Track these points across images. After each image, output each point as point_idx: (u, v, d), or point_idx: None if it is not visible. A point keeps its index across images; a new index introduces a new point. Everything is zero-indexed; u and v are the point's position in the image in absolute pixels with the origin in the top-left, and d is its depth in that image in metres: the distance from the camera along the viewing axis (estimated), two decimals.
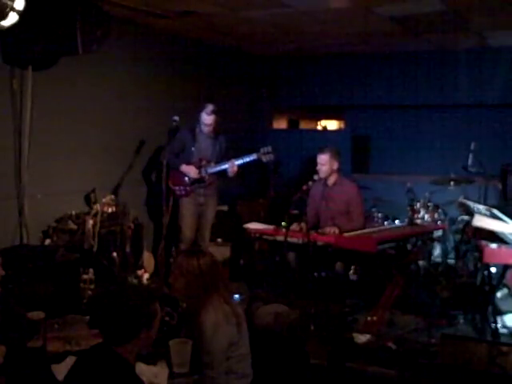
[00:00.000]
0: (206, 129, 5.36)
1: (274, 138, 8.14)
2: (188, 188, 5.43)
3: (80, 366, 2.17)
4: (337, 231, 4.75)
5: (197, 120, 5.42)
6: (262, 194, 7.22)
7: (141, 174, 6.00)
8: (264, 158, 5.38)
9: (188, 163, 5.39)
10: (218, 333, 2.69)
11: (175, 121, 5.17)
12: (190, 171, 5.38)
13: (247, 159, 5.37)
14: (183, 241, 5.48)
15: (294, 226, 4.74)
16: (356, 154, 7.73)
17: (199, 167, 5.42)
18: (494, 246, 4.16)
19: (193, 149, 5.38)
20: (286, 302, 4.44)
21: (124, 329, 2.11)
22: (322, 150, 5.06)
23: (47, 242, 4.75)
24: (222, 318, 2.73)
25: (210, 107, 5.32)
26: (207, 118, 5.30)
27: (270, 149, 5.37)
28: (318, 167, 5.05)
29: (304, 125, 10.02)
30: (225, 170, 5.40)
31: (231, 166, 5.33)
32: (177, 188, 5.43)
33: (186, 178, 5.41)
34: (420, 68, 7.34)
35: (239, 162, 5.35)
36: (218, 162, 5.44)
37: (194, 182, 5.44)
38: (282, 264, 5.14)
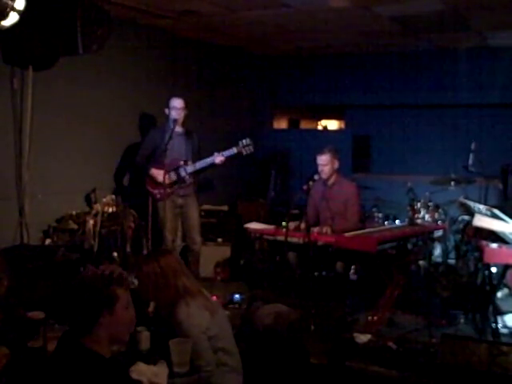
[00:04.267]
0: (175, 124, 5.18)
1: (274, 138, 8.16)
2: (168, 190, 5.23)
3: (51, 363, 2.17)
4: (329, 230, 4.75)
5: (166, 118, 5.29)
6: (262, 194, 7.23)
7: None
8: (244, 151, 5.31)
9: (160, 165, 5.07)
10: (192, 321, 2.78)
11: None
12: (159, 177, 5.12)
13: (227, 154, 5.29)
14: (166, 244, 5.33)
15: (292, 224, 4.75)
16: (356, 154, 7.73)
17: (177, 168, 5.28)
18: (494, 245, 4.16)
19: (168, 147, 5.03)
20: (286, 302, 4.44)
21: (80, 316, 2.10)
22: (321, 151, 5.06)
23: (47, 241, 4.75)
24: (194, 309, 2.83)
25: (178, 101, 5.23)
26: (177, 112, 5.20)
27: (248, 141, 5.30)
28: (320, 168, 5.04)
29: (304, 125, 10.03)
30: (209, 165, 5.30)
31: (217, 157, 5.24)
32: (156, 191, 5.26)
33: (162, 181, 5.09)
34: (420, 68, 7.35)
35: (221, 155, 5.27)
36: (195, 161, 5.32)
37: (174, 183, 5.29)
38: (282, 264, 5.13)
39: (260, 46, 7.38)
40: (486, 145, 6.05)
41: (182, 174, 5.30)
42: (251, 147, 5.31)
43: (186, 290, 2.89)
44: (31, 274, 4.01)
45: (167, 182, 5.18)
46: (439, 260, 5.94)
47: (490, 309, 4.43)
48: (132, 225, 5.19)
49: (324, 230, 4.78)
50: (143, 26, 5.94)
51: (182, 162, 5.30)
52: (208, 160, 5.30)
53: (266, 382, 3.22)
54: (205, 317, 2.84)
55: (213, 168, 5.45)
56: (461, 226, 5.86)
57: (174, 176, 5.29)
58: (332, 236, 4.67)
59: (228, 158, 5.35)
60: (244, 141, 5.31)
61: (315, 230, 4.78)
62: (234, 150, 5.31)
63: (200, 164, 5.31)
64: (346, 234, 4.63)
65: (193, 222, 5.49)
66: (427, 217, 5.86)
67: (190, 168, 5.31)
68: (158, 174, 5.16)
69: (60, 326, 3.42)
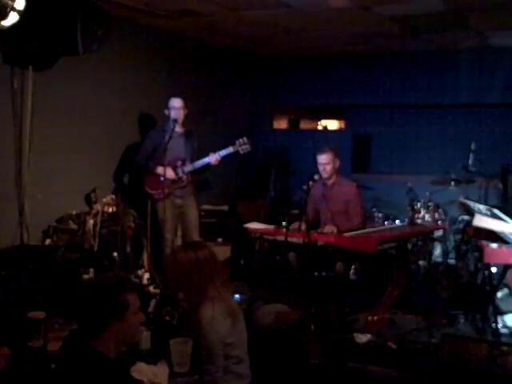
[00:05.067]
0: (175, 124, 5.18)
1: (274, 138, 8.16)
2: (167, 190, 5.21)
3: (59, 363, 2.16)
4: (335, 230, 4.75)
5: (166, 118, 5.29)
6: (262, 194, 7.23)
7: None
8: (241, 150, 5.27)
9: (161, 164, 5.10)
10: (214, 327, 2.72)
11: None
12: (167, 173, 5.16)
13: (224, 153, 5.27)
14: (166, 244, 5.33)
15: (294, 225, 4.75)
16: (356, 154, 7.73)
17: (175, 168, 5.26)
18: (494, 245, 4.16)
19: (167, 147, 5.05)
20: (287, 302, 4.44)
21: (90, 322, 2.10)
22: (322, 151, 5.06)
23: (48, 241, 4.75)
24: (218, 314, 2.76)
25: (177, 101, 5.24)
26: (177, 112, 5.20)
27: (245, 140, 5.27)
28: (322, 168, 5.03)
29: (304, 125, 10.01)
30: (206, 165, 5.29)
31: (213, 157, 5.23)
32: (155, 192, 5.25)
33: (163, 180, 5.11)
34: (420, 68, 7.34)
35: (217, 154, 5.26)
36: (193, 161, 5.32)
37: (172, 183, 5.28)
38: (282, 264, 5.13)
39: (260, 46, 7.38)
40: (485, 145, 6.05)
41: (180, 173, 5.30)
42: (248, 146, 5.29)
43: (217, 293, 2.82)
44: (32, 274, 4.01)
45: (172, 179, 5.22)
46: (439, 260, 5.94)
47: (490, 309, 4.43)
48: (132, 225, 5.18)
49: (330, 230, 4.77)
50: (143, 26, 5.94)
51: (179, 162, 5.29)
52: (205, 160, 5.29)
53: (266, 382, 3.22)
54: (226, 324, 2.78)
55: (211, 168, 5.45)
56: (461, 226, 5.86)
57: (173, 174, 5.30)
58: (332, 236, 4.67)
59: (226, 158, 5.34)
60: (241, 140, 5.29)
61: (324, 229, 4.77)
62: (231, 149, 5.29)
63: (197, 164, 5.31)
64: (346, 234, 4.63)
65: (191, 222, 5.47)
66: (427, 217, 5.86)
67: (188, 168, 5.31)
68: (166, 171, 5.13)
69: (61, 326, 3.43)
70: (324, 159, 5.03)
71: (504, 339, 4.14)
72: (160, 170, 5.13)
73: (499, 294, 4.82)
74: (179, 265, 2.83)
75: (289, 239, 4.55)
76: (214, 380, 2.70)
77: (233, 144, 5.30)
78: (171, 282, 2.94)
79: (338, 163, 5.10)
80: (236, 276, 5.96)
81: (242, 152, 5.30)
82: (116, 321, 2.11)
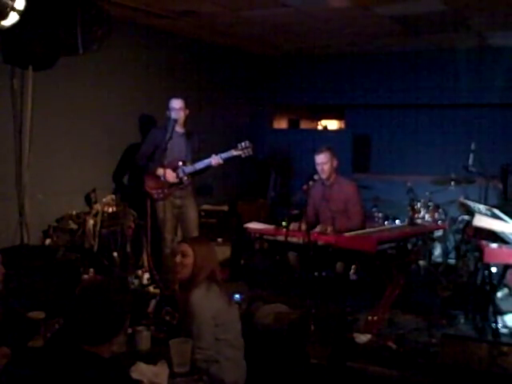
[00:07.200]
0: (176, 124, 5.17)
1: (274, 138, 8.16)
2: (166, 190, 5.20)
3: (48, 364, 2.04)
4: (329, 229, 4.74)
5: (167, 118, 5.26)
6: (262, 194, 7.22)
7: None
8: (243, 154, 5.28)
9: (161, 165, 5.07)
10: (206, 303, 2.86)
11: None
12: (168, 175, 5.15)
13: (225, 156, 5.26)
14: (166, 244, 5.32)
15: (294, 225, 4.75)
16: (356, 154, 7.73)
17: (175, 168, 5.25)
18: (494, 245, 4.16)
19: (168, 147, 5.03)
20: (286, 302, 4.44)
21: (106, 328, 2.03)
22: (319, 151, 5.06)
23: (48, 241, 4.75)
24: (212, 293, 2.92)
25: (177, 102, 5.24)
26: (176, 112, 5.20)
27: (247, 143, 5.28)
28: (320, 168, 5.03)
29: (304, 125, 10.02)
30: (207, 167, 5.29)
31: (215, 159, 5.22)
32: (154, 192, 5.24)
33: (164, 180, 5.12)
34: (420, 68, 7.35)
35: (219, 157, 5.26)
36: (194, 161, 5.30)
37: (172, 183, 5.27)
38: (282, 264, 5.13)
39: (260, 46, 7.39)
40: (485, 145, 6.04)
41: (180, 174, 5.29)
42: (250, 150, 5.30)
43: (216, 279, 3.01)
44: (32, 274, 4.01)
45: (173, 180, 5.21)
46: (439, 260, 5.94)
47: (490, 309, 4.43)
48: (132, 225, 5.18)
49: (324, 228, 4.77)
50: (143, 26, 5.94)
51: (180, 163, 5.29)
52: (206, 161, 5.28)
53: (265, 382, 3.22)
54: (219, 303, 2.92)
55: (211, 170, 5.44)
56: (461, 226, 5.86)
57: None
58: (332, 236, 4.66)
59: (227, 159, 5.34)
60: (243, 143, 5.30)
61: (317, 229, 4.78)
62: (233, 153, 5.29)
63: (198, 165, 5.31)
64: (346, 234, 4.62)
65: (191, 222, 5.46)
66: (427, 217, 5.86)
67: (189, 169, 5.30)
68: (166, 173, 5.11)
69: (60, 327, 3.42)
70: (322, 159, 5.04)
71: (504, 339, 4.15)
72: (160, 171, 5.12)
73: (499, 294, 4.82)
74: (193, 251, 3.01)
75: (289, 239, 4.55)
76: (205, 359, 2.77)
77: (234, 146, 5.30)
78: (180, 268, 3.04)
79: (335, 162, 5.10)
80: (236, 276, 5.96)
81: (243, 156, 5.31)
82: (127, 320, 2.10)
